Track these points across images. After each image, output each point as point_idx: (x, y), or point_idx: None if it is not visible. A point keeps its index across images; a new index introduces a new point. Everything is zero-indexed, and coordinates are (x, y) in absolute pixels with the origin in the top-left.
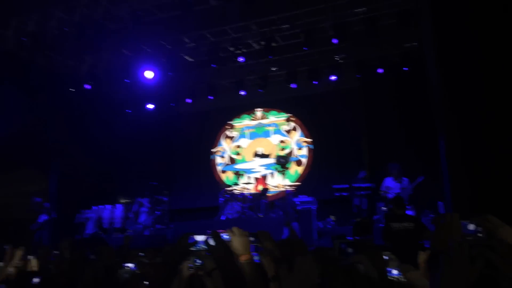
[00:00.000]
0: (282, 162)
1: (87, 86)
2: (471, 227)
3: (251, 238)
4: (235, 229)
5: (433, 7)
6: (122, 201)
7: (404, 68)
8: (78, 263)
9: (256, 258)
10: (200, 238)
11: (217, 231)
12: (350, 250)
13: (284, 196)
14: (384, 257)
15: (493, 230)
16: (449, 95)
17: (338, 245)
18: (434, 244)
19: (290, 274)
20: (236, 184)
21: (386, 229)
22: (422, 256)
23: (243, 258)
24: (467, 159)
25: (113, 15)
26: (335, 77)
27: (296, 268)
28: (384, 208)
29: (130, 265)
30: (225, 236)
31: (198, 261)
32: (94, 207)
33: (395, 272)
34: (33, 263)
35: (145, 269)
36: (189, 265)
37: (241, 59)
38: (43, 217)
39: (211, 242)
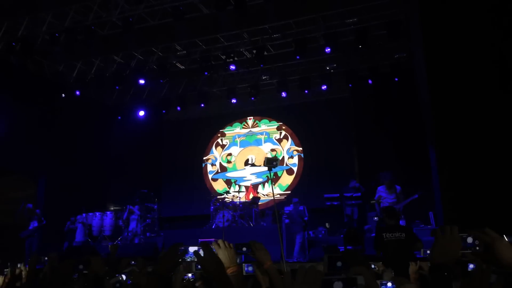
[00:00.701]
0: (273, 165)
1: (77, 92)
2: (470, 240)
3: (244, 248)
4: (220, 241)
5: (423, 18)
6: (112, 208)
7: (395, 79)
8: (67, 274)
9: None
10: (190, 249)
11: (206, 240)
12: (339, 263)
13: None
14: (372, 266)
15: (490, 243)
16: (439, 105)
17: (327, 259)
18: (435, 257)
19: (293, 284)
20: (227, 192)
21: (378, 239)
22: (413, 267)
23: (229, 271)
24: (458, 170)
25: (104, 21)
26: (326, 87)
27: (299, 277)
28: (375, 218)
29: (123, 275)
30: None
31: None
32: (83, 214)
33: (389, 284)
34: (22, 271)
35: (137, 279)
36: (184, 276)
37: (232, 67)
38: (34, 224)
39: (201, 253)
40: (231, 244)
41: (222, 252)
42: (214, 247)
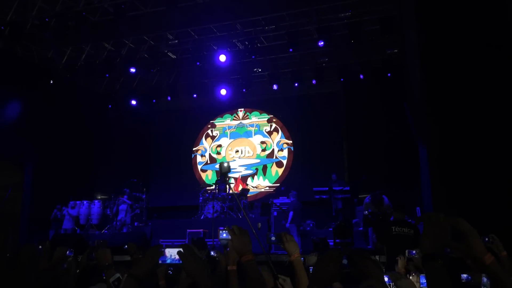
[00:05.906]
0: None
1: (67, 79)
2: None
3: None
4: (235, 227)
5: (418, 14)
6: (100, 197)
7: (388, 74)
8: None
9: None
10: (172, 250)
11: (194, 231)
12: (344, 261)
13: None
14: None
15: (465, 233)
16: (433, 103)
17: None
18: (426, 246)
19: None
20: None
21: (386, 232)
22: (402, 262)
23: (245, 259)
24: (448, 167)
25: (95, 7)
26: (317, 81)
27: None
28: (365, 212)
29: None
30: (224, 234)
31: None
32: (71, 203)
33: (385, 279)
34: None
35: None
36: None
37: (224, 58)
38: None
39: (183, 253)
40: (246, 230)
41: (238, 239)
42: (228, 233)
